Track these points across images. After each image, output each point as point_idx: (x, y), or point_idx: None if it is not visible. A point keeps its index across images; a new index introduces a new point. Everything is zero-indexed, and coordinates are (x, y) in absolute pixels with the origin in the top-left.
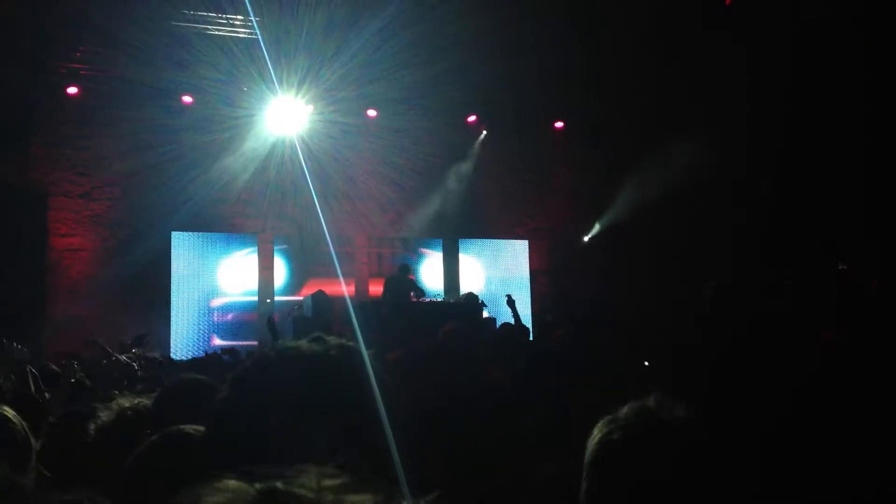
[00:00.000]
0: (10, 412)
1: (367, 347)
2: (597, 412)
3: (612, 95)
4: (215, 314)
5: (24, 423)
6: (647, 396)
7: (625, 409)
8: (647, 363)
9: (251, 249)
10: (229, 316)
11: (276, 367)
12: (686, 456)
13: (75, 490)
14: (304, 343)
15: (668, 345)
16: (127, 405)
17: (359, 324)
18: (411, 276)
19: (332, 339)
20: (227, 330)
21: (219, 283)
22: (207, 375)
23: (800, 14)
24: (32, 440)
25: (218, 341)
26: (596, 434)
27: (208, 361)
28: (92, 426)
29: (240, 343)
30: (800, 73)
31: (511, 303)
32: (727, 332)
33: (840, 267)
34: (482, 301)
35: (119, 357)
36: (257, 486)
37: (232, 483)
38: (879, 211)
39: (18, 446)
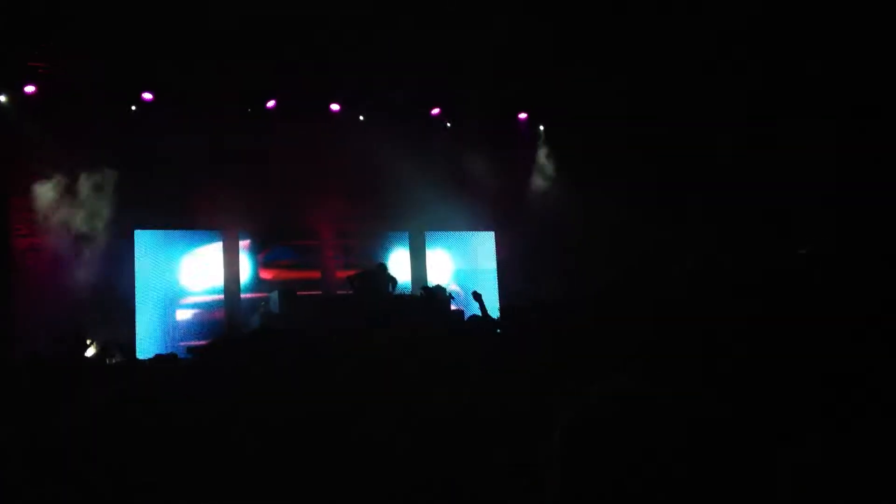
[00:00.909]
0: None
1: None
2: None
3: (576, 85)
4: (180, 312)
5: None
6: (616, 377)
7: (594, 392)
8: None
9: (216, 245)
10: (195, 314)
11: None
12: (659, 437)
13: None
14: None
15: (641, 325)
16: None
17: (329, 317)
18: (389, 273)
19: None
20: (192, 328)
21: (184, 280)
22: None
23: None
24: None
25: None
26: (564, 417)
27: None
28: None
29: (205, 343)
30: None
31: (477, 297)
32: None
33: (800, 252)
34: (450, 294)
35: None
36: None
37: None
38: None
39: None
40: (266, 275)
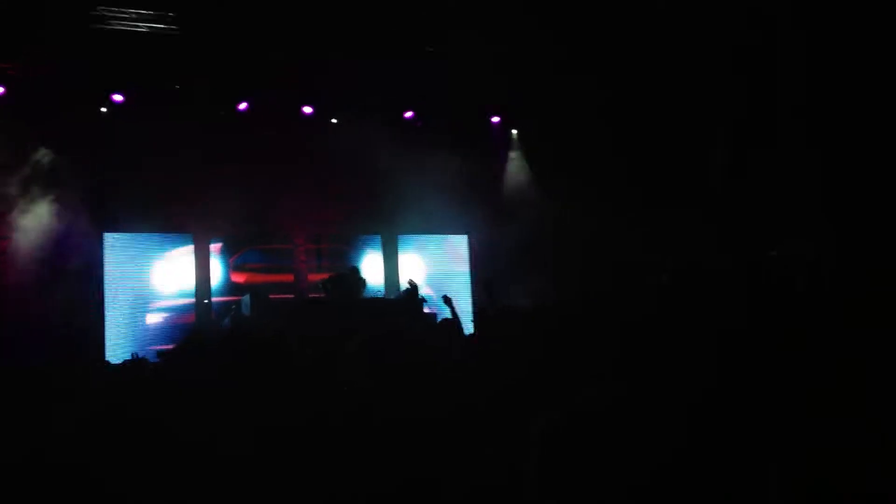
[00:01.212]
0: None
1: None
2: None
3: (553, 88)
4: (150, 316)
5: None
6: (593, 381)
7: (575, 397)
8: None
9: (187, 249)
10: (165, 318)
11: None
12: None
13: None
14: None
15: (617, 330)
16: None
17: (301, 320)
18: (360, 277)
19: None
20: (162, 333)
21: (154, 284)
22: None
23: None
24: None
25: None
26: (542, 421)
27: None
28: None
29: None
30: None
31: (448, 301)
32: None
33: (771, 253)
34: (423, 297)
35: None
36: None
37: None
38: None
39: None
40: (237, 278)
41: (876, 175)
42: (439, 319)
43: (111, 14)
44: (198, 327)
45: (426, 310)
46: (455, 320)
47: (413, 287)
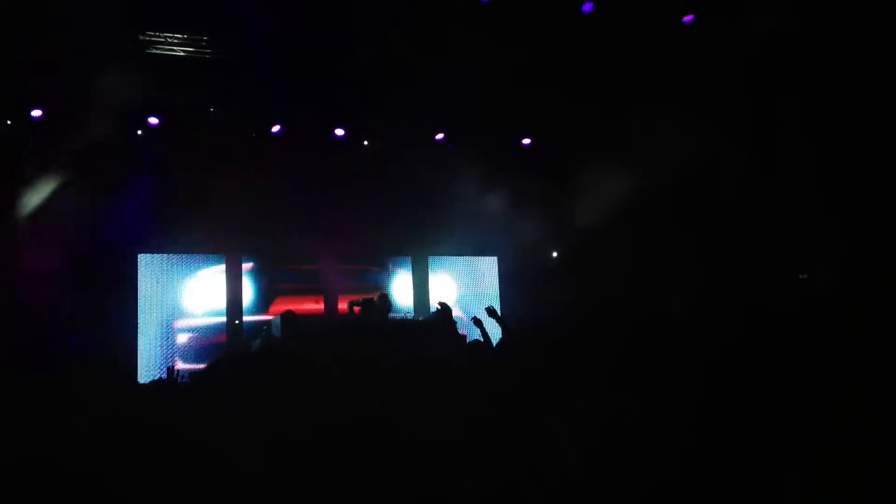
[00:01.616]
0: None
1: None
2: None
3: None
4: (181, 336)
5: None
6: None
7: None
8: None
9: (219, 268)
10: (196, 337)
11: None
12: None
13: None
14: None
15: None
16: None
17: (331, 342)
18: (389, 301)
19: None
20: (193, 352)
21: (185, 304)
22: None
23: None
24: None
25: (181, 364)
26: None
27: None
28: None
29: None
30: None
31: (478, 322)
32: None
33: (801, 276)
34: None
35: None
36: None
37: None
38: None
39: None
40: (268, 298)
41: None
42: (468, 341)
43: (148, 38)
44: (228, 349)
45: (460, 331)
46: (486, 342)
47: (444, 309)
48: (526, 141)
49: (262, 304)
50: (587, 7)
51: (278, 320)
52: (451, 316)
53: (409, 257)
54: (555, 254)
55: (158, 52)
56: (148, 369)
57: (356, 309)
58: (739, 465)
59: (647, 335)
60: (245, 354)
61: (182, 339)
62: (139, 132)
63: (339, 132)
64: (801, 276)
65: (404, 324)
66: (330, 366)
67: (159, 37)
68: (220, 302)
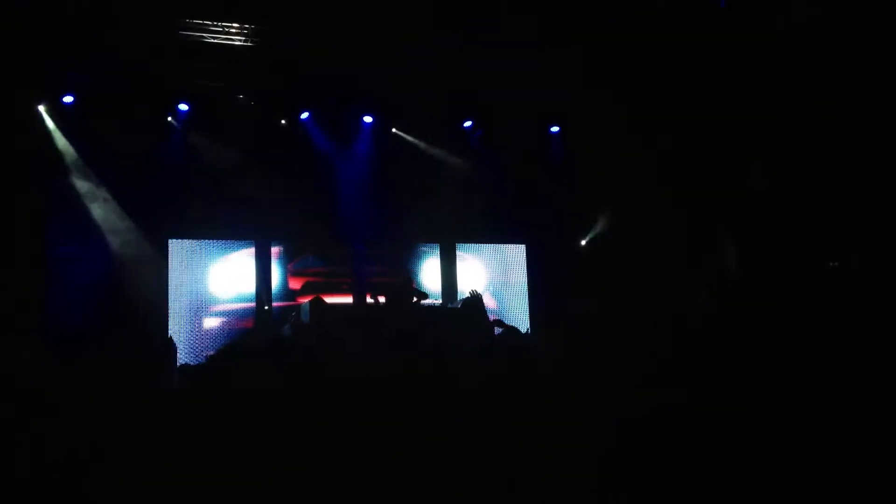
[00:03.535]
0: None
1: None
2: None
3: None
4: (209, 321)
5: None
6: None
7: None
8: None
9: (248, 252)
10: (225, 322)
11: None
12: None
13: None
14: None
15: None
16: None
17: (359, 327)
18: (414, 286)
19: None
20: (221, 336)
21: (214, 289)
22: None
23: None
24: None
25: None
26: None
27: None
28: None
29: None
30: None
31: (499, 324)
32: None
33: (832, 264)
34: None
35: None
36: None
37: None
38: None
39: None
40: (296, 283)
41: None
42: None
43: (183, 25)
44: (243, 336)
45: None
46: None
47: (475, 296)
48: (554, 129)
49: (290, 290)
50: None
51: (307, 306)
52: (483, 303)
53: (438, 244)
54: (583, 242)
55: (190, 38)
56: (180, 354)
57: (380, 298)
58: (805, 463)
59: (686, 329)
60: (255, 343)
61: (209, 323)
62: (169, 119)
63: (368, 119)
64: (832, 265)
65: (433, 310)
66: (358, 353)
67: (192, 23)
68: (249, 287)
